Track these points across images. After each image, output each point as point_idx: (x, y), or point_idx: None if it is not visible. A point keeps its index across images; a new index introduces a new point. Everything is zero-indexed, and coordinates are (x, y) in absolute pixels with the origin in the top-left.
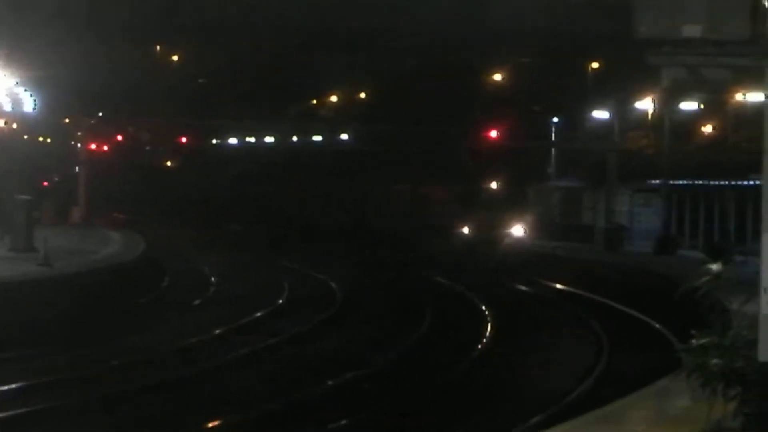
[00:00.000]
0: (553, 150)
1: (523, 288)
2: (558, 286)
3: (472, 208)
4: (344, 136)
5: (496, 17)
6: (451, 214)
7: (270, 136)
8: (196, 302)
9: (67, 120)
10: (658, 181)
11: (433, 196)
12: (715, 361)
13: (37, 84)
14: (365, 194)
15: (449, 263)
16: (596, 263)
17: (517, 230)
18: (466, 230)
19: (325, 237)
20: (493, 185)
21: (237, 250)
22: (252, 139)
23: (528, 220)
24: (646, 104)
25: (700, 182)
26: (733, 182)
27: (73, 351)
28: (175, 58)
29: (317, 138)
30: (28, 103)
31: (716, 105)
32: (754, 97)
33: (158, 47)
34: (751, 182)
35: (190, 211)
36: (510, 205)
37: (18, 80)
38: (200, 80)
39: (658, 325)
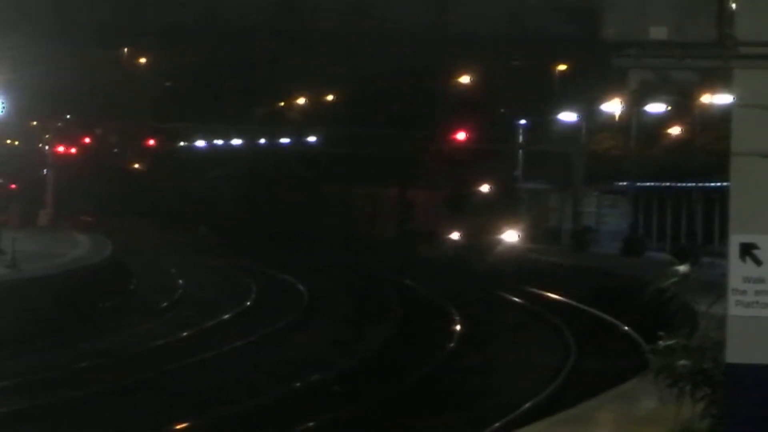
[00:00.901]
0: (520, 152)
1: (499, 293)
2: (527, 288)
3: (459, 212)
4: (311, 138)
5: (463, 20)
6: (437, 218)
7: (237, 138)
8: (163, 305)
9: (34, 123)
10: (625, 183)
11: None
12: (682, 362)
13: (4, 87)
14: (340, 197)
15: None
16: (560, 265)
17: (510, 235)
18: (455, 236)
19: (303, 243)
20: (485, 188)
21: (204, 253)
22: (219, 142)
23: (521, 224)
24: (613, 106)
25: (667, 184)
26: (700, 184)
27: (39, 353)
28: (142, 60)
29: (284, 140)
30: None
31: (683, 107)
32: (721, 99)
33: (125, 50)
34: (718, 184)
35: (157, 213)
36: (501, 208)
37: None
38: (167, 83)
39: (626, 327)
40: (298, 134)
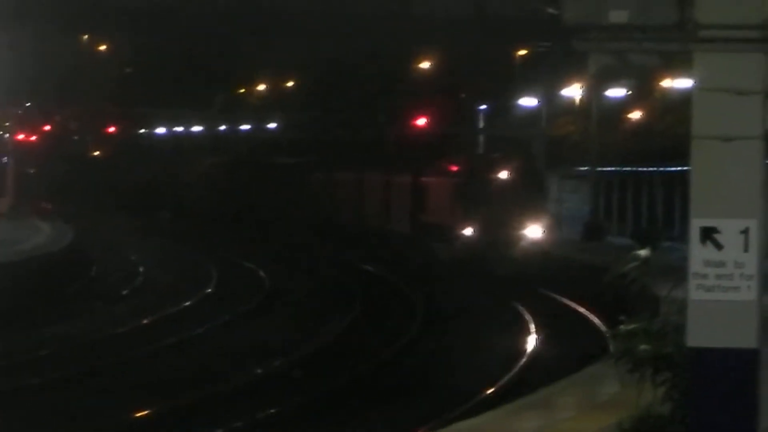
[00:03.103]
0: (481, 137)
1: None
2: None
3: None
4: (272, 125)
5: (423, 4)
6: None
7: (198, 125)
8: (125, 291)
9: None
10: (585, 168)
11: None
12: (643, 346)
13: None
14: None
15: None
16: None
17: (533, 231)
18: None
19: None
20: (503, 175)
21: (166, 239)
22: (180, 128)
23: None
24: (573, 91)
25: (628, 168)
26: (660, 168)
27: (0, 340)
28: (102, 47)
29: (245, 126)
30: None
31: (644, 91)
32: (682, 83)
33: (85, 37)
34: (679, 168)
35: (118, 200)
36: (523, 199)
37: None
38: (127, 69)
39: (586, 311)
40: (259, 119)
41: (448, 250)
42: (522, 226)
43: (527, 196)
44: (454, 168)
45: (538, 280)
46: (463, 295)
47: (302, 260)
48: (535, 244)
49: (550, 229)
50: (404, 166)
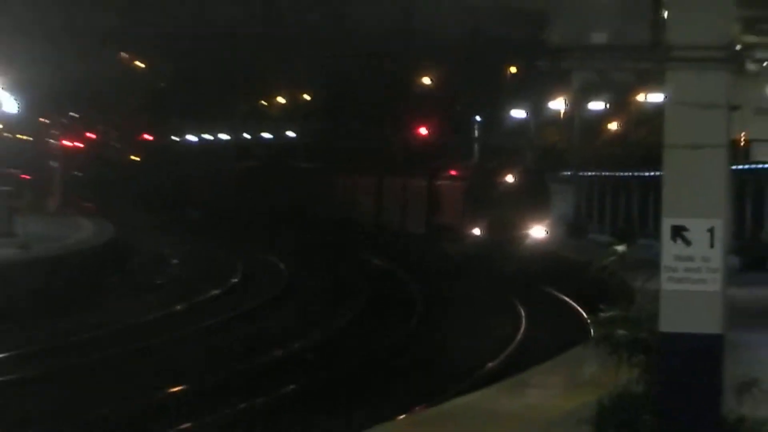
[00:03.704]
0: (476, 145)
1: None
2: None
3: (482, 205)
4: (290, 133)
5: (425, 27)
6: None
7: (224, 133)
8: (159, 282)
9: (44, 120)
10: (569, 173)
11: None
12: (621, 332)
13: (16, 86)
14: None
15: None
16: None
17: (537, 231)
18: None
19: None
20: (509, 177)
21: (196, 235)
22: (208, 136)
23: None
24: (558, 104)
25: (607, 173)
26: (636, 173)
27: (45, 326)
28: (139, 64)
29: (266, 134)
30: (11, 105)
31: (620, 105)
32: (655, 97)
33: (124, 54)
34: (653, 173)
35: (153, 200)
36: (527, 201)
37: (1, 84)
38: (161, 84)
39: (571, 301)
40: (278, 128)
41: (458, 248)
42: (526, 227)
43: (531, 199)
44: (464, 173)
45: (537, 275)
46: (466, 288)
47: (322, 256)
48: (539, 243)
49: (552, 230)
50: (419, 171)
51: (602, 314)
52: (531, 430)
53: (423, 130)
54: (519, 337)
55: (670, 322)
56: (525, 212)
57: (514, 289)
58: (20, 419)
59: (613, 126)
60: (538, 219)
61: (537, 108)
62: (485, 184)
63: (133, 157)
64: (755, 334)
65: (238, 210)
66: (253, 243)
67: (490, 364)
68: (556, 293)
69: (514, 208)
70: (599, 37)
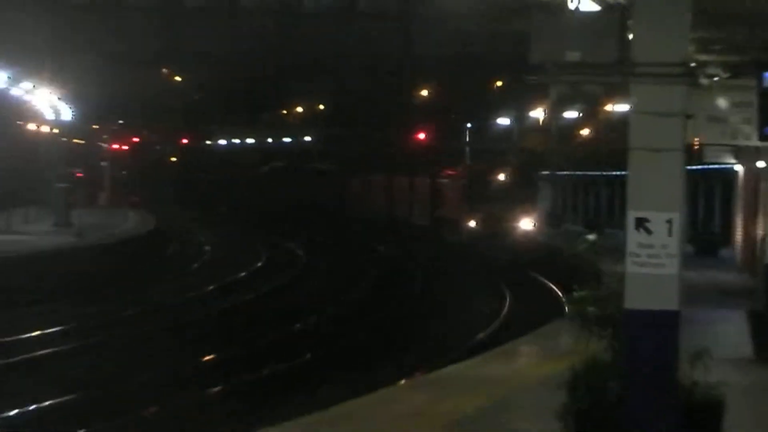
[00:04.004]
0: (467, 149)
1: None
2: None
3: (478, 201)
4: (307, 138)
5: (423, 48)
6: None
7: (249, 138)
8: (195, 265)
9: (95, 126)
10: (547, 173)
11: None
12: (591, 309)
13: (72, 98)
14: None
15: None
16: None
17: (526, 224)
18: (473, 224)
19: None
20: (501, 176)
21: (225, 226)
22: (236, 141)
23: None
24: (538, 113)
25: (580, 173)
26: (604, 173)
27: (96, 303)
28: (178, 78)
29: (287, 139)
30: (67, 113)
31: (591, 113)
32: (621, 107)
33: (165, 70)
34: (619, 172)
35: (189, 196)
36: (517, 197)
37: (59, 95)
38: (195, 96)
39: (549, 282)
40: (298, 134)
41: (457, 238)
42: (516, 220)
43: (521, 196)
44: (461, 173)
45: (522, 261)
46: (461, 272)
47: (335, 244)
48: (527, 233)
49: (539, 222)
50: (422, 171)
51: (575, 294)
52: (515, 393)
53: (422, 136)
54: (504, 312)
55: (634, 300)
56: (515, 207)
57: (502, 272)
58: (74, 384)
59: (585, 132)
60: (526, 213)
61: (520, 116)
62: (480, 183)
63: (172, 159)
64: (707, 310)
65: (263, 205)
66: (276, 233)
67: (479, 336)
68: (536, 276)
69: (506, 203)
70: (573, 56)
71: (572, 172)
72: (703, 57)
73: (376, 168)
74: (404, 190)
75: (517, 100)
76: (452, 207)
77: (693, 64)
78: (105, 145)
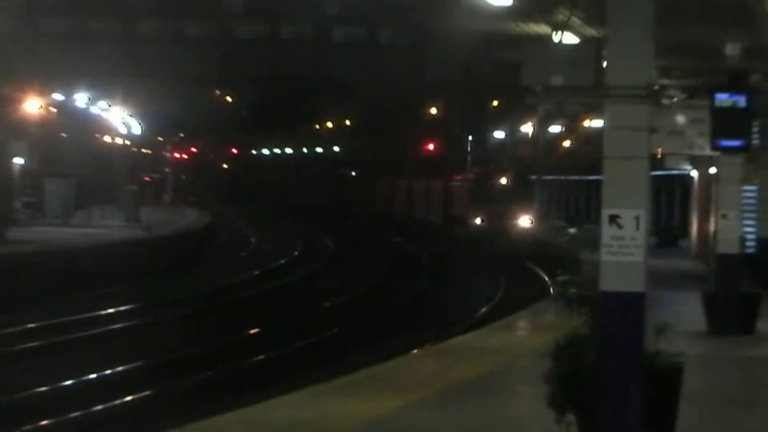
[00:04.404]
0: (469, 157)
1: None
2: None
3: (482, 201)
4: (336, 149)
5: (433, 73)
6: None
7: (288, 148)
8: (242, 254)
9: (160, 138)
10: (535, 177)
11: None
12: (572, 290)
13: (141, 115)
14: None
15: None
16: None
17: (524, 221)
18: (478, 221)
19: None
20: (502, 180)
21: (268, 222)
22: (277, 150)
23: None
24: (528, 128)
25: (562, 177)
26: (583, 177)
27: (159, 286)
28: (228, 98)
29: (319, 149)
30: (136, 128)
31: (572, 128)
32: (597, 122)
33: (218, 91)
34: (595, 177)
35: (238, 197)
36: (516, 198)
37: (130, 113)
38: (243, 113)
39: (537, 269)
40: (328, 145)
41: (464, 234)
42: (516, 218)
43: (520, 197)
44: (469, 177)
45: (519, 253)
46: (466, 262)
47: (361, 238)
48: (525, 230)
49: (537, 220)
50: (434, 176)
51: (559, 278)
52: (509, 360)
53: (431, 146)
54: (499, 294)
55: (607, 283)
56: (515, 207)
57: (500, 262)
58: (141, 353)
59: (567, 143)
60: (524, 212)
61: (512, 130)
62: (484, 186)
63: (223, 166)
64: (668, 292)
65: (299, 205)
66: (310, 228)
67: (481, 312)
68: (528, 264)
69: (507, 203)
70: (557, 80)
71: (556, 177)
72: (665, 81)
73: (395, 173)
74: (421, 192)
75: (510, 116)
76: (461, 207)
77: (656, 87)
78: (168, 155)
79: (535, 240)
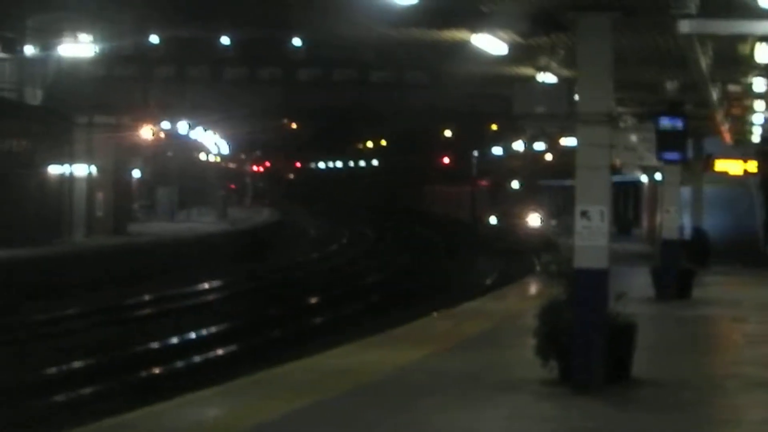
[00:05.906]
0: (474, 169)
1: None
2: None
3: (498, 203)
4: (375, 162)
5: (445, 102)
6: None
7: (339, 162)
8: (303, 241)
9: (242, 155)
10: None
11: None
12: (553, 267)
13: (227, 137)
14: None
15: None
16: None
17: (534, 220)
18: (493, 220)
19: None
20: (515, 184)
21: (323, 219)
22: (330, 164)
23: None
24: (519, 145)
25: (544, 183)
26: (561, 182)
27: (241, 268)
28: (294, 125)
29: (362, 163)
30: (225, 147)
31: (553, 145)
32: (571, 140)
33: (285, 119)
34: (570, 183)
35: (300, 200)
36: (527, 199)
37: (220, 136)
38: (304, 136)
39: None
40: (368, 160)
41: (484, 230)
42: (526, 217)
43: (530, 199)
44: (488, 182)
45: (524, 245)
46: (480, 251)
47: (397, 231)
48: (534, 228)
49: (545, 219)
50: (459, 181)
51: (543, 258)
52: (505, 319)
53: (446, 160)
54: (500, 269)
55: (580, 261)
56: (525, 207)
57: (505, 250)
58: (228, 317)
59: (548, 156)
60: (534, 212)
61: (507, 147)
62: (499, 190)
63: (289, 176)
64: (624, 268)
65: (346, 206)
66: (355, 223)
67: (485, 283)
68: (522, 250)
69: (519, 204)
70: (540, 108)
71: (541, 182)
72: (621, 109)
73: (421, 181)
74: (451, 196)
75: (505, 136)
76: (482, 208)
77: (615, 114)
78: (248, 168)
79: (539, 235)
